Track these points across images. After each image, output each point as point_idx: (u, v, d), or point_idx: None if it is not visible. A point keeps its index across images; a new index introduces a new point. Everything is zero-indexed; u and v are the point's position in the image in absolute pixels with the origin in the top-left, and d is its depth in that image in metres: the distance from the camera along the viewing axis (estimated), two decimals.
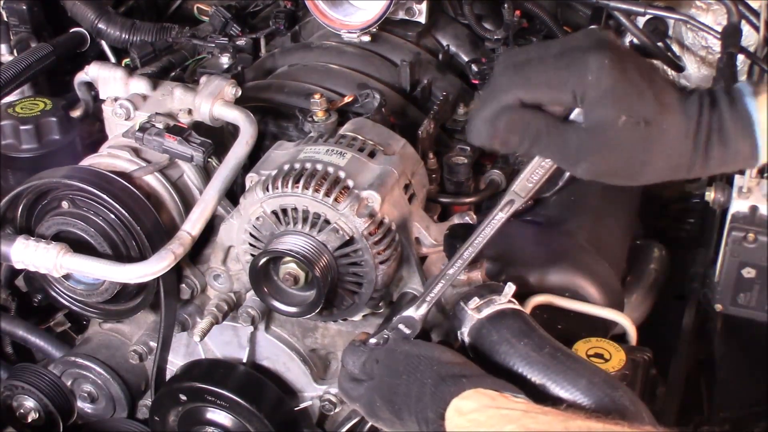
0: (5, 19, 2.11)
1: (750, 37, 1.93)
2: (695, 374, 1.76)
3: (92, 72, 1.66)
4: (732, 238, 1.67)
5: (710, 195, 1.77)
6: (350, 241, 1.39)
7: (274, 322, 1.59)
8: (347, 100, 1.65)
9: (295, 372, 1.61)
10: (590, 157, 1.11)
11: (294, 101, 1.68)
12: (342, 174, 1.40)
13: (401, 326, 1.29)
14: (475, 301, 1.27)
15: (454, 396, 1.10)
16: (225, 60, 1.88)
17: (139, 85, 1.63)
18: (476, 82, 1.83)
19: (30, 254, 1.43)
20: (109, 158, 1.56)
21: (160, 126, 1.52)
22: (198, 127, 1.56)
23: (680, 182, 2.27)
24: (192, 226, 1.47)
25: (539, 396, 1.14)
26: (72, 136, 1.76)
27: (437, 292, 1.29)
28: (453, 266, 1.28)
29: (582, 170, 1.12)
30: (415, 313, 1.29)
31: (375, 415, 1.23)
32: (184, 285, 1.56)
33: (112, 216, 1.47)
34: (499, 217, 1.26)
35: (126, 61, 1.97)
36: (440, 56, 1.88)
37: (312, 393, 1.61)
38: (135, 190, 1.48)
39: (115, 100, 1.60)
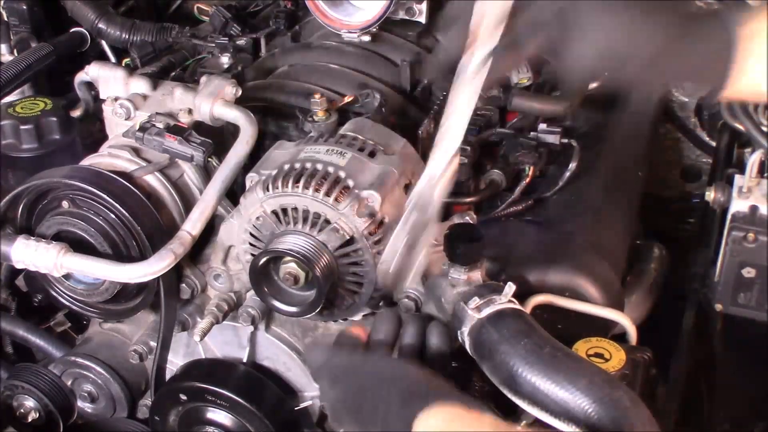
0: (5, 19, 2.11)
1: None
2: (695, 374, 1.76)
3: (92, 72, 1.66)
4: (732, 238, 1.67)
5: (710, 195, 1.77)
6: (350, 241, 1.39)
7: (275, 321, 1.59)
8: (347, 100, 1.64)
9: (295, 372, 1.61)
10: None
11: (294, 101, 1.68)
12: (342, 174, 1.40)
13: None
14: (475, 301, 1.27)
15: (420, 412, 1.09)
16: (225, 60, 1.88)
17: (140, 84, 1.63)
18: None
19: (30, 254, 1.43)
20: (109, 158, 1.56)
21: (161, 126, 1.52)
22: (198, 126, 1.56)
23: (680, 183, 2.28)
24: (192, 225, 1.47)
25: (539, 396, 1.14)
26: (72, 136, 1.76)
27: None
28: None
29: None
30: None
31: (339, 423, 1.24)
32: (184, 285, 1.56)
33: (112, 216, 1.47)
34: None
35: (126, 60, 1.96)
36: None
37: (312, 393, 1.60)
38: (135, 189, 1.48)
39: (116, 99, 1.60)
